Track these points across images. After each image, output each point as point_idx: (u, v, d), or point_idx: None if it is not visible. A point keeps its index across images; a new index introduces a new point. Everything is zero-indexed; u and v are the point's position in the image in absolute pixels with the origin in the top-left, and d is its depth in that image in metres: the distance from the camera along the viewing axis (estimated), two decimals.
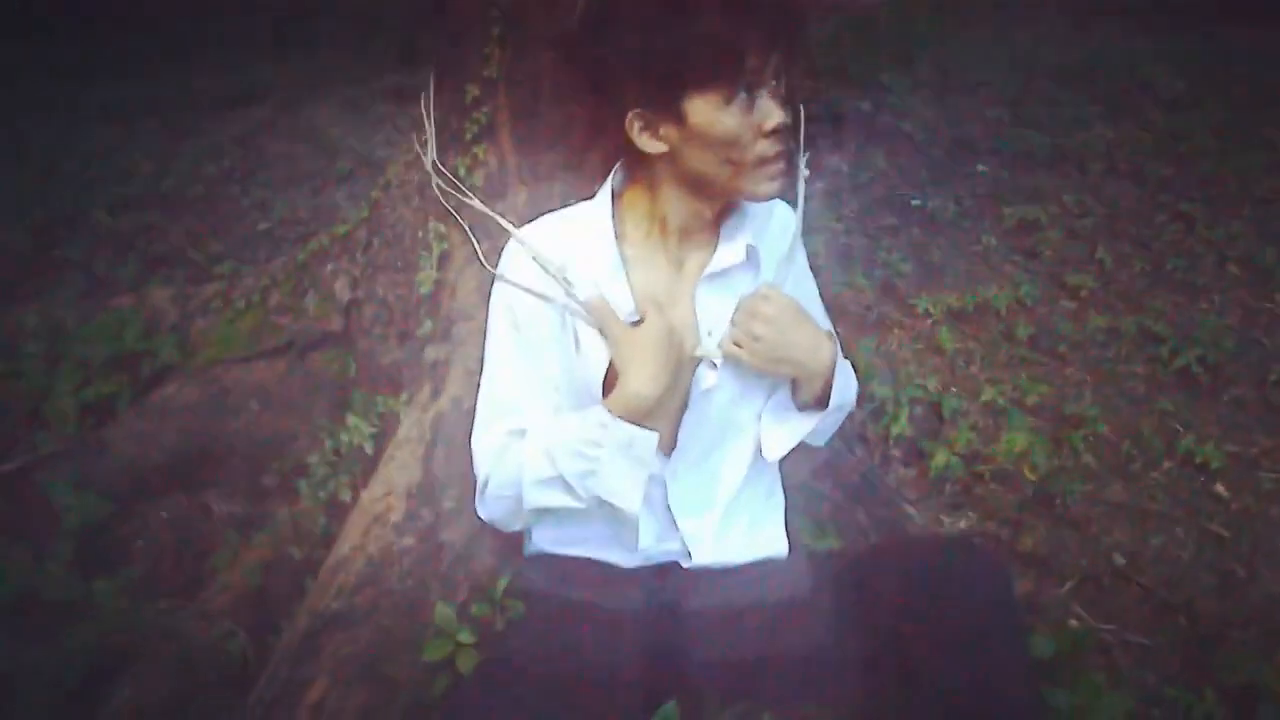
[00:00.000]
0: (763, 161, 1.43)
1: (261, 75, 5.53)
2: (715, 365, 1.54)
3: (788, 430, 1.60)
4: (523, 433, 1.54)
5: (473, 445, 1.60)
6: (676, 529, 1.60)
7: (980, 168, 4.19)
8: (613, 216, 1.54)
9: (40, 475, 2.34)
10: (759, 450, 1.62)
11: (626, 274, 1.52)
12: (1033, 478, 2.31)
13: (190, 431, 2.43)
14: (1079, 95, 4.95)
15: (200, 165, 4.24)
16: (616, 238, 1.53)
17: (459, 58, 1.95)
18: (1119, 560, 2.20)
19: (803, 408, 1.60)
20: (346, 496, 1.96)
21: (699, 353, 1.52)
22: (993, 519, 2.27)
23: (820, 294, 1.76)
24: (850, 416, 2.43)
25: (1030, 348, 2.92)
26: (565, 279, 1.50)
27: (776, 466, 1.71)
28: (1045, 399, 2.65)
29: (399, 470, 1.86)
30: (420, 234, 2.13)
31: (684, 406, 1.55)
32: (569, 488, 1.46)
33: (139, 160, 4.27)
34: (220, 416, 2.45)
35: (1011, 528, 2.26)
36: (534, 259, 1.53)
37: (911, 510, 2.19)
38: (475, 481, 1.59)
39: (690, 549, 1.60)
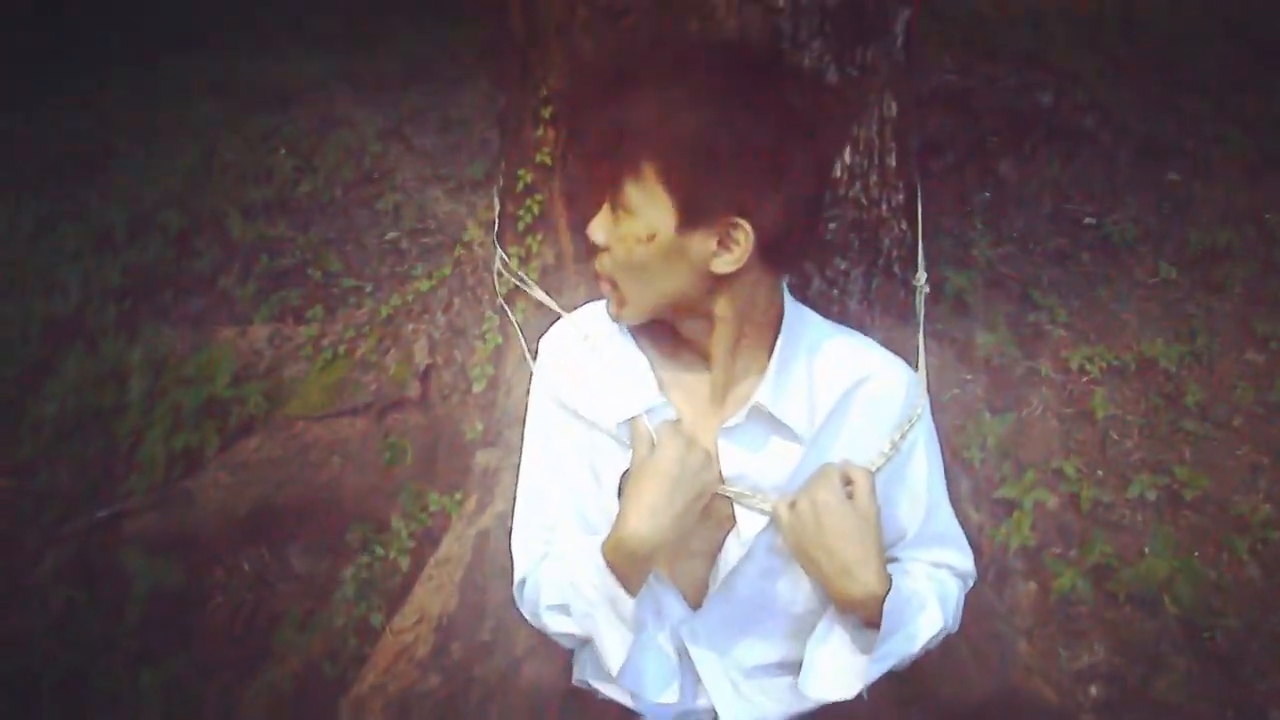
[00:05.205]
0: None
1: (423, 50, 5.41)
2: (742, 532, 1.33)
3: (834, 670, 1.33)
4: (548, 543, 1.41)
5: (511, 541, 1.45)
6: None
7: (1172, 175, 3.72)
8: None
9: (129, 524, 2.36)
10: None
11: (664, 392, 1.33)
12: (1175, 611, 1.99)
13: (274, 485, 2.39)
14: None
15: (340, 166, 4.19)
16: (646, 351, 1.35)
17: (512, 138, 1.76)
18: (1276, 717, 1.88)
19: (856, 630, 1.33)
20: (378, 621, 1.84)
21: (727, 491, 1.32)
22: (1122, 654, 1.97)
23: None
24: (965, 519, 2.18)
25: (1200, 417, 2.53)
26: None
27: None
28: (1208, 492, 2.29)
29: (434, 594, 1.73)
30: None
31: (711, 560, 1.36)
32: (577, 620, 1.33)
33: (284, 158, 4.25)
34: (304, 471, 2.40)
35: (1144, 666, 1.95)
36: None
37: (1022, 644, 1.92)
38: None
39: (718, 712, 1.40)
